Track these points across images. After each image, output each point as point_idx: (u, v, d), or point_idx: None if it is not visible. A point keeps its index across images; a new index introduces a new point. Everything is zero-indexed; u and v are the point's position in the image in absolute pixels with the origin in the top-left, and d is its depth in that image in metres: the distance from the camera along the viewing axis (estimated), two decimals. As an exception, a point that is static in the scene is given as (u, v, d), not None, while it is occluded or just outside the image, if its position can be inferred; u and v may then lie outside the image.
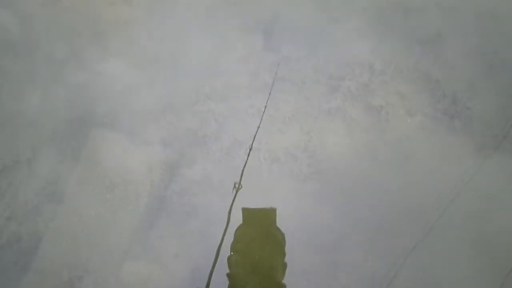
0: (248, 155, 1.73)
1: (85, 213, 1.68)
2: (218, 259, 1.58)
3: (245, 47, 1.91)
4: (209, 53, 1.91)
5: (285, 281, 1.56)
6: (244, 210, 1.66)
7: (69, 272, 1.58)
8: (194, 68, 1.89)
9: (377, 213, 1.65)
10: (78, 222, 1.67)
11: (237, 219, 1.65)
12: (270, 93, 1.79)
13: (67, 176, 1.73)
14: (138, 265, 1.60)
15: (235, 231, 1.63)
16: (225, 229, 1.62)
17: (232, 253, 1.59)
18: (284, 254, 1.60)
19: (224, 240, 1.61)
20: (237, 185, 1.69)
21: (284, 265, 1.58)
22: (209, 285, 1.53)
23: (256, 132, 1.76)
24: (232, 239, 1.61)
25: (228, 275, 1.55)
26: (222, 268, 1.57)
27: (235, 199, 1.67)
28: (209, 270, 1.55)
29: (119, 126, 1.81)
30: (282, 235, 1.63)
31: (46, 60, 1.92)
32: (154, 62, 1.90)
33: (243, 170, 1.71)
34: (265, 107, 1.78)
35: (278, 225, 1.64)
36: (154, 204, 1.68)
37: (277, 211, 1.66)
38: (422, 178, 1.70)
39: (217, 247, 1.59)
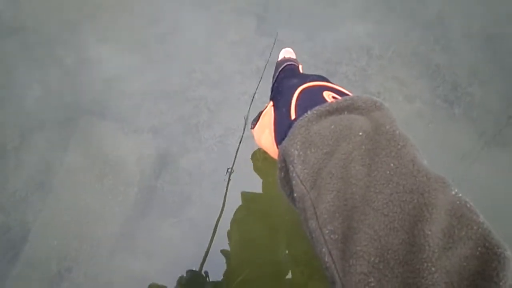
0: (239, 147, 1.68)
1: (74, 203, 1.64)
2: (213, 244, 1.55)
3: (237, 31, 1.84)
4: (200, 37, 1.85)
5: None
6: (243, 194, 1.63)
7: (58, 264, 1.56)
8: (184, 53, 1.82)
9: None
10: (67, 213, 1.63)
11: (232, 207, 1.62)
12: (260, 80, 1.73)
13: (56, 165, 1.69)
14: (128, 256, 1.57)
15: (233, 216, 1.60)
16: (220, 214, 1.59)
17: (230, 235, 1.56)
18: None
19: (219, 227, 1.58)
20: (229, 170, 1.66)
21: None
22: (202, 266, 1.51)
23: (245, 124, 1.70)
24: (229, 226, 1.58)
25: (222, 251, 1.53)
26: (218, 252, 1.54)
27: (229, 183, 1.63)
28: (201, 259, 1.53)
29: (108, 114, 1.75)
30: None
31: (31, 45, 1.86)
32: (143, 47, 1.84)
33: (236, 155, 1.66)
34: (253, 97, 1.72)
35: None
36: (145, 194, 1.64)
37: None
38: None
39: (210, 236, 1.56)
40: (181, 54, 1.83)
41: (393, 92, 1.75)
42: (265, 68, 1.75)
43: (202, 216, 1.61)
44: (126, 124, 1.74)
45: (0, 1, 1.91)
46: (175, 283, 1.43)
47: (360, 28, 1.84)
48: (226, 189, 1.61)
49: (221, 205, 1.60)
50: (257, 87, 1.71)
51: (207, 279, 1.49)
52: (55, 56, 1.84)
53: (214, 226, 1.56)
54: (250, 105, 1.72)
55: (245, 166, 1.66)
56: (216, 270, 1.52)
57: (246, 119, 1.70)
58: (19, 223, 1.62)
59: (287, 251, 1.55)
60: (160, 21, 1.87)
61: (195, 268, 1.50)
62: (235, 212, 1.60)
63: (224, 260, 1.52)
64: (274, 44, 1.74)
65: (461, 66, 1.78)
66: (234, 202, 1.61)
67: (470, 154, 1.66)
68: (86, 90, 1.79)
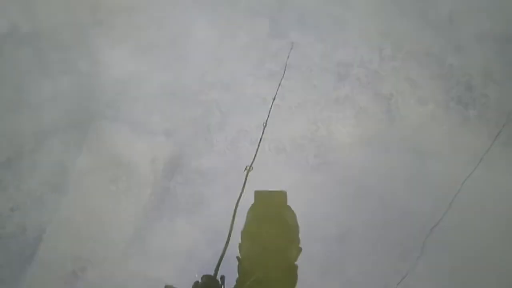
0: (260, 142, 1.68)
1: (89, 204, 1.66)
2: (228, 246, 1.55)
3: (249, 33, 1.85)
4: (213, 40, 1.86)
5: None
6: (256, 192, 1.63)
7: (73, 264, 1.58)
8: (197, 56, 1.84)
9: (385, 205, 1.61)
10: (82, 214, 1.65)
11: (246, 205, 1.62)
12: (280, 84, 1.71)
13: (71, 167, 1.72)
14: (142, 257, 1.59)
15: (248, 212, 1.60)
16: (234, 212, 1.58)
17: (242, 237, 1.56)
18: (298, 237, 1.56)
19: (234, 225, 1.57)
20: (248, 168, 1.66)
21: (299, 249, 1.55)
22: (217, 271, 1.51)
23: (264, 128, 1.70)
24: (243, 224, 1.58)
25: (238, 258, 1.53)
26: (232, 255, 1.54)
27: (246, 182, 1.63)
28: (214, 261, 1.53)
29: (122, 116, 1.78)
30: (294, 217, 1.59)
31: (47, 49, 1.89)
32: (157, 50, 1.86)
33: (256, 152, 1.66)
34: (274, 99, 1.70)
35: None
36: (158, 196, 1.66)
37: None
38: (433, 169, 1.64)
39: (225, 240, 1.56)
40: (193, 57, 1.84)
41: (406, 94, 1.74)
42: (284, 73, 1.74)
43: (214, 217, 1.62)
44: (139, 126, 1.76)
45: (15, 8, 1.95)
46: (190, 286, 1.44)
47: (372, 30, 1.84)
48: (243, 186, 1.62)
49: (235, 206, 1.61)
50: (276, 91, 1.70)
51: (223, 287, 1.49)
52: (68, 61, 1.87)
53: (229, 228, 1.57)
54: (270, 109, 1.71)
55: (259, 168, 1.67)
56: (231, 272, 1.52)
57: (265, 124, 1.70)
58: (35, 224, 1.64)
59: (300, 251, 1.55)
60: (172, 24, 1.89)
61: (210, 267, 1.51)
62: (248, 213, 1.60)
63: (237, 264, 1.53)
64: (290, 50, 1.73)
65: (474, 67, 1.76)
66: (247, 202, 1.62)
67: (485, 155, 1.64)
68: (99, 93, 1.82)
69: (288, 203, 1.62)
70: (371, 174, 1.64)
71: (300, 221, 1.60)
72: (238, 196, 1.56)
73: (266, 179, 1.66)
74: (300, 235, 1.58)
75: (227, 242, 1.50)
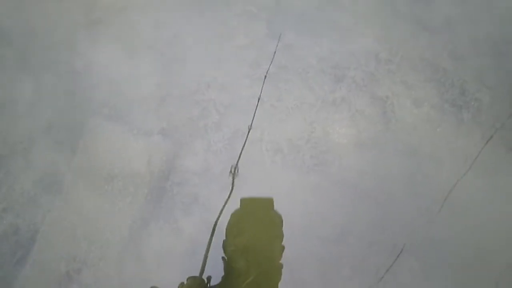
0: (246, 139, 1.69)
1: (83, 204, 1.64)
2: (213, 245, 1.55)
3: (247, 35, 1.85)
4: (210, 41, 1.86)
5: (286, 273, 1.54)
6: (242, 200, 1.63)
7: (67, 265, 1.56)
8: (194, 56, 1.84)
9: (381, 206, 1.62)
10: (76, 214, 1.63)
11: (235, 208, 1.63)
12: (263, 82, 1.74)
13: (65, 166, 1.70)
14: (138, 258, 1.57)
15: (231, 216, 1.60)
16: (218, 216, 1.59)
17: (227, 238, 1.56)
18: (282, 236, 1.57)
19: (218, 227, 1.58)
20: (233, 170, 1.66)
21: (282, 248, 1.56)
22: (203, 271, 1.51)
23: (249, 131, 1.71)
24: (227, 224, 1.59)
25: (223, 258, 1.53)
26: (218, 253, 1.54)
27: (233, 186, 1.64)
28: (211, 261, 1.53)
29: (117, 116, 1.76)
30: (280, 217, 1.60)
31: (41, 47, 1.88)
32: (153, 50, 1.85)
33: (240, 154, 1.67)
34: (259, 99, 1.72)
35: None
36: (154, 196, 1.65)
37: (280, 203, 1.63)
38: (428, 170, 1.66)
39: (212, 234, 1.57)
40: (190, 58, 1.84)
41: (401, 97, 1.76)
42: (268, 70, 1.76)
43: (210, 217, 1.61)
44: (135, 126, 1.75)
45: (8, 7, 1.93)
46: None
47: (368, 33, 1.86)
48: (230, 192, 1.63)
49: (222, 207, 1.61)
50: (261, 89, 1.72)
51: (208, 285, 1.50)
52: (64, 60, 1.85)
53: (212, 229, 1.57)
54: (256, 108, 1.73)
55: (250, 169, 1.68)
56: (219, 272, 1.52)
57: (251, 123, 1.71)
58: (28, 224, 1.62)
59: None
60: (169, 24, 1.89)
61: (207, 267, 1.51)
62: (235, 216, 1.61)
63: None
64: (277, 44, 1.74)
65: (468, 71, 1.79)
66: (237, 203, 1.63)
67: (478, 158, 1.66)
68: (95, 93, 1.80)
69: (284, 204, 1.63)
70: (366, 174, 1.66)
71: (296, 221, 1.60)
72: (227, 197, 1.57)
73: (263, 180, 1.66)
74: (295, 236, 1.59)
75: (210, 243, 1.51)
